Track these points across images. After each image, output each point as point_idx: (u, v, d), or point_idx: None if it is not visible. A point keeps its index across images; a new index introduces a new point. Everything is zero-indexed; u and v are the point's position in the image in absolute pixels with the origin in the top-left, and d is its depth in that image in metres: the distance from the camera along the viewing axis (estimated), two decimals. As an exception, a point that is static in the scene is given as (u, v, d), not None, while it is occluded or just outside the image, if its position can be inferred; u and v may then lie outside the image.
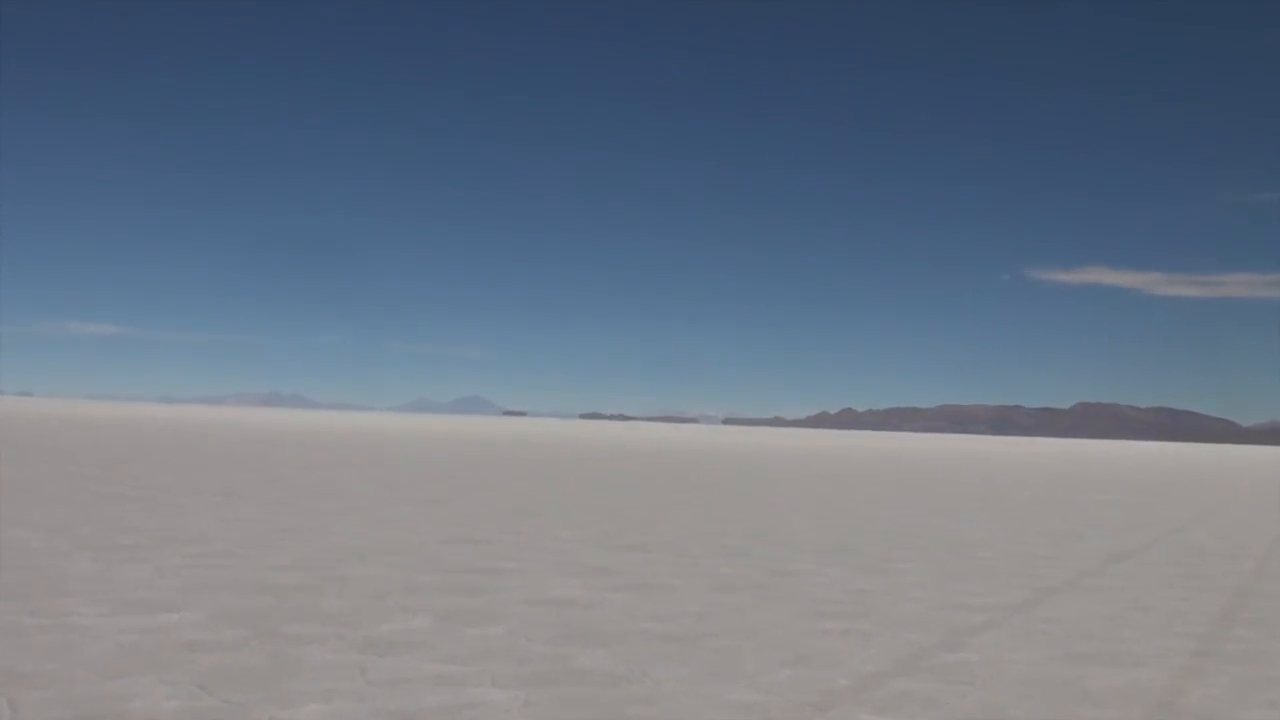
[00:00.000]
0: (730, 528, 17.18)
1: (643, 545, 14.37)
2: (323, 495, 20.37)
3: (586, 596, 10.17)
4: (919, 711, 6.46)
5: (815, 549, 14.74)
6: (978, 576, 12.56)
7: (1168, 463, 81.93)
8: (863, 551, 14.67)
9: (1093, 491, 34.06)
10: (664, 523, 17.54)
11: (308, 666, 6.99)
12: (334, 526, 15.14)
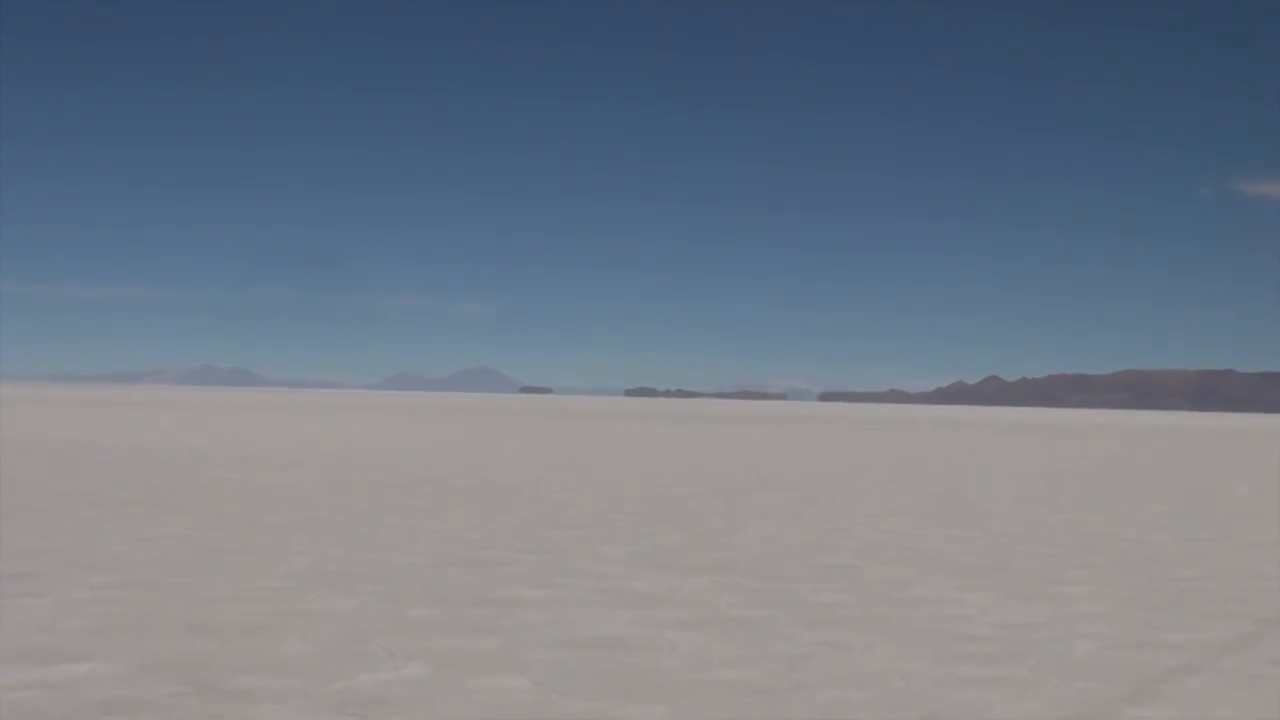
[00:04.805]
0: (833, 539, 17.17)
1: (714, 565, 14.40)
2: (276, 504, 20.57)
3: (638, 635, 10.22)
4: (1096, 787, 6.44)
5: (950, 567, 14.71)
6: (1174, 605, 12.49)
7: None
8: (1015, 570, 14.63)
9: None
10: (741, 533, 17.55)
11: (262, 732, 7.07)
12: (293, 545, 15.28)
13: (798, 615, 11.32)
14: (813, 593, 12.63)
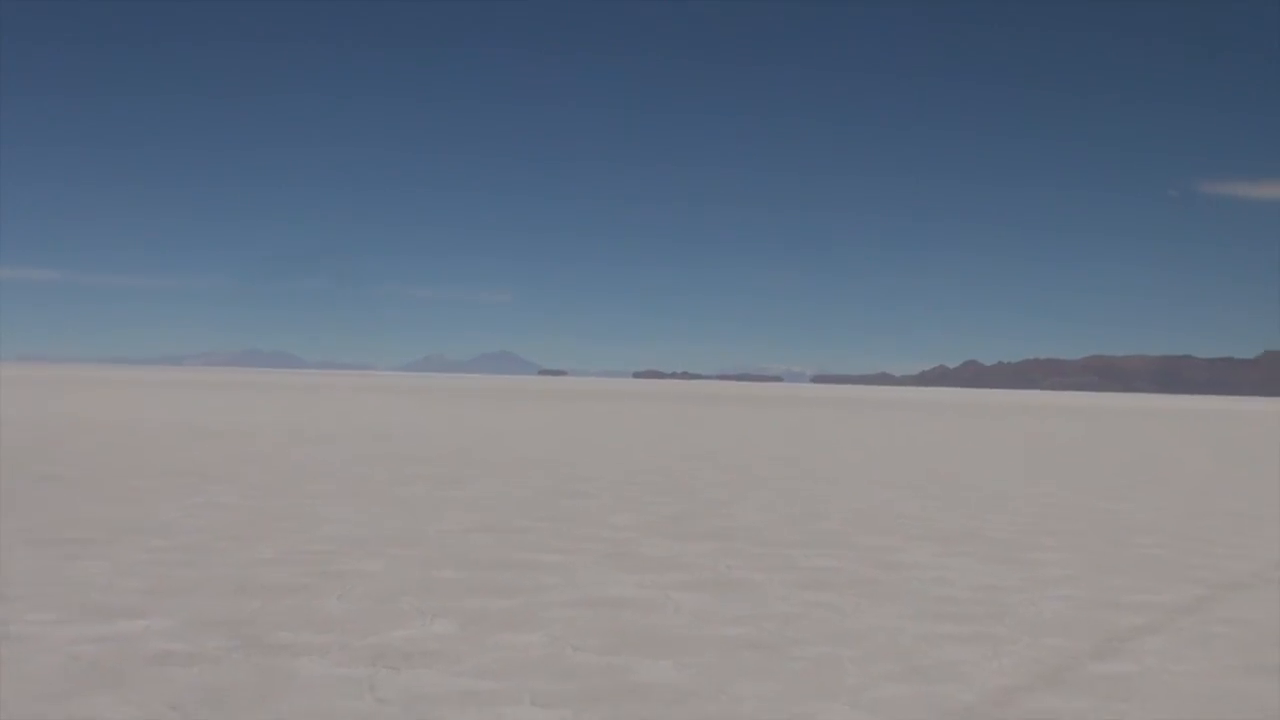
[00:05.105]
0: (826, 509, 17.19)
1: (715, 532, 14.43)
2: (314, 475, 20.62)
3: (646, 596, 10.25)
4: (1065, 735, 6.47)
5: (932, 535, 14.73)
6: (1136, 569, 12.51)
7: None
8: (991, 538, 14.64)
9: (1285, 461, 33.68)
10: (741, 503, 17.58)
11: (303, 682, 7.12)
12: (329, 512, 15.33)
13: (792, 578, 11.35)
14: (805, 558, 12.66)
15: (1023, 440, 42.66)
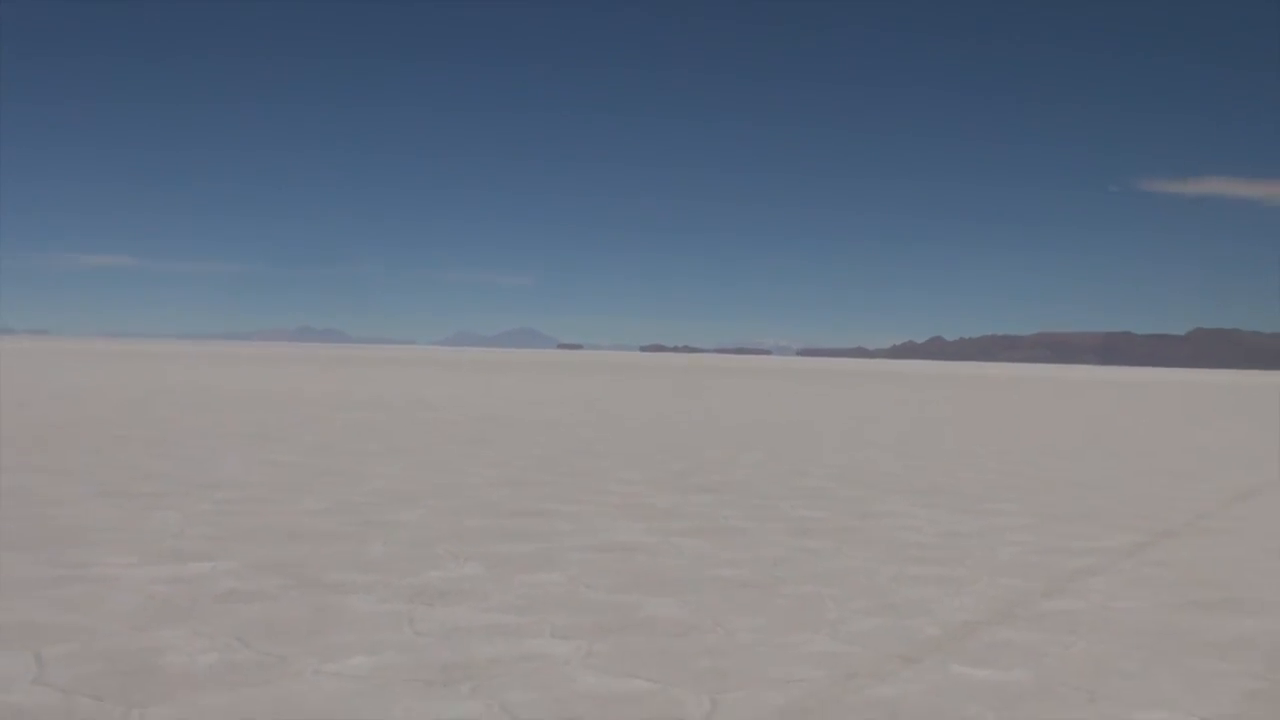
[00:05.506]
0: (809, 467, 17.18)
1: (713, 486, 14.42)
2: (361, 436, 20.63)
3: (652, 541, 10.25)
4: (1018, 662, 6.46)
5: (904, 489, 14.71)
6: (1083, 519, 12.49)
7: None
8: (956, 492, 14.63)
9: (1212, 426, 33.66)
10: (736, 462, 17.57)
11: (351, 617, 7.12)
12: (374, 469, 15.33)
13: (780, 526, 11.34)
14: (792, 508, 12.64)
15: (984, 407, 42.62)
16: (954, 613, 7.68)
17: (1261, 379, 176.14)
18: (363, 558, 9.08)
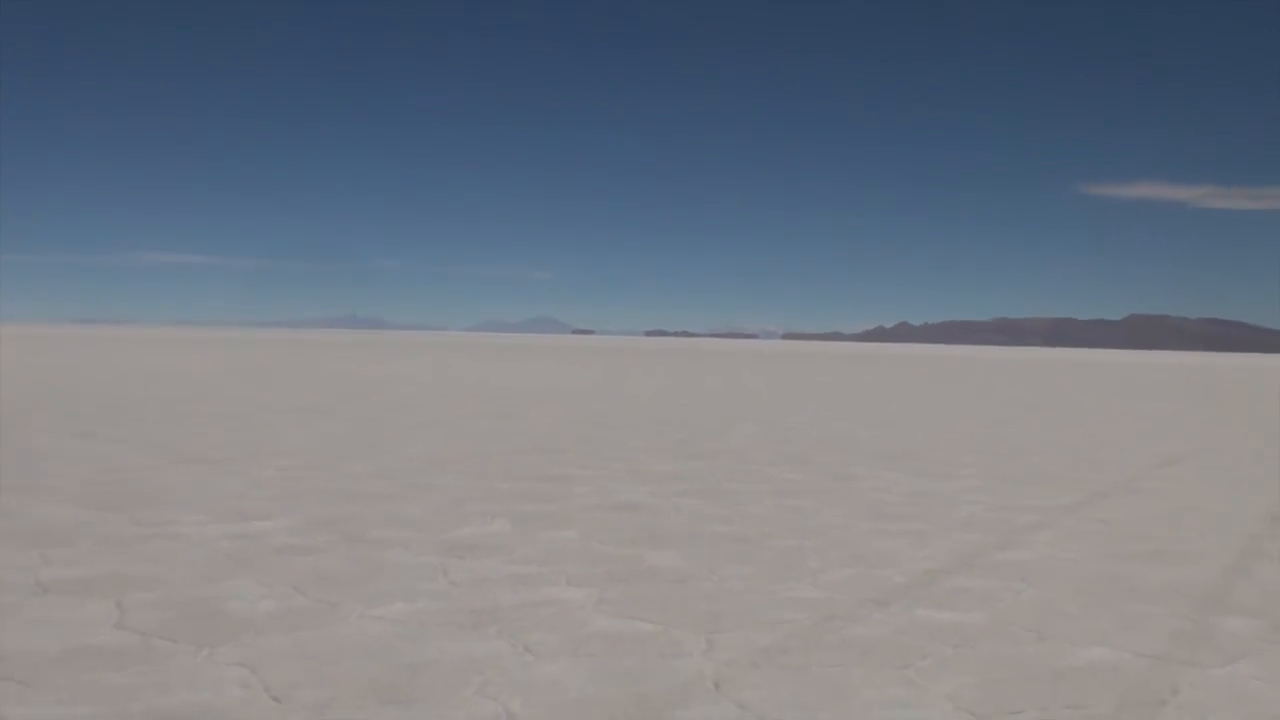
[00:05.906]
0: (792, 437, 17.18)
1: (709, 453, 14.43)
2: (402, 411, 20.65)
3: (655, 502, 10.26)
4: (974, 606, 6.47)
5: (876, 455, 14.72)
6: (1032, 482, 12.49)
7: (1218, 373, 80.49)
8: (921, 458, 14.63)
9: (1145, 401, 33.62)
10: (728, 433, 17.58)
11: (392, 568, 7.14)
12: (413, 439, 15.35)
13: (767, 488, 11.35)
14: (777, 473, 12.65)
15: (947, 385, 42.60)
16: (919, 563, 7.70)
17: (1189, 359, 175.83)
18: (402, 516, 9.10)
